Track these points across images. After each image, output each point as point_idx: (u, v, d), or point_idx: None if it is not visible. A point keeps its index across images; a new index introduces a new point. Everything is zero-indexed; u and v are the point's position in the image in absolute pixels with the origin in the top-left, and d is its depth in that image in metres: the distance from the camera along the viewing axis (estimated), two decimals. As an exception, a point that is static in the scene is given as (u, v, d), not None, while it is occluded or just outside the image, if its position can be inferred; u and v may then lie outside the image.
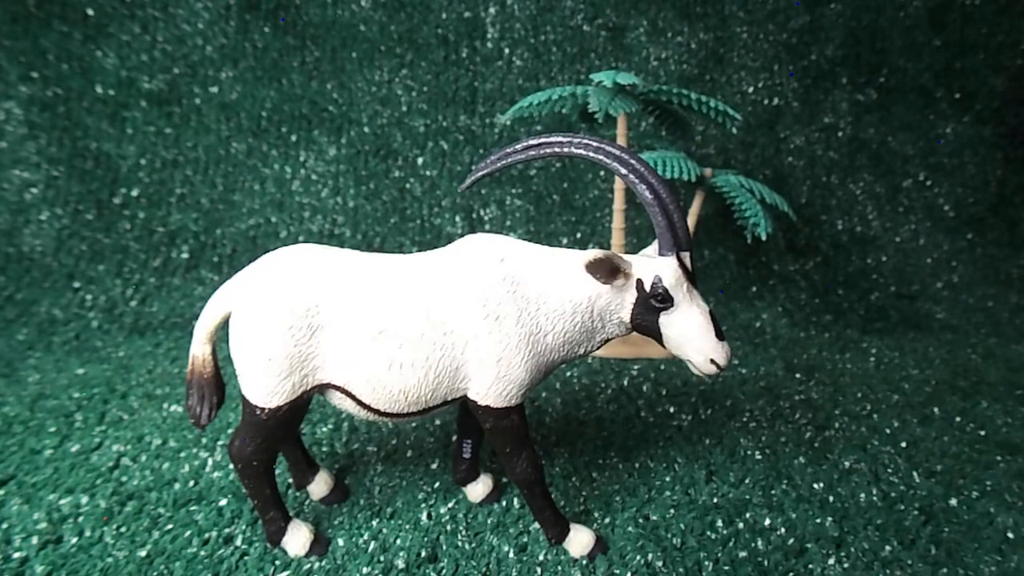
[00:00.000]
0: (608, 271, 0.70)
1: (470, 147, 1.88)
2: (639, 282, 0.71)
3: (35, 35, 1.77)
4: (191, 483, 0.93)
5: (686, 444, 1.06)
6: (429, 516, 0.87)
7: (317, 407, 1.15)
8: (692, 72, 1.91)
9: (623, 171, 0.71)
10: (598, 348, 0.78)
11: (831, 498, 0.92)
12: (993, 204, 1.99)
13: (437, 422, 1.11)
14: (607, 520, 0.87)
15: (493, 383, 0.73)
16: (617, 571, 0.77)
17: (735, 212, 1.33)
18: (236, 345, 0.72)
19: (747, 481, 0.96)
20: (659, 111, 1.40)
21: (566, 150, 0.73)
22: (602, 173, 1.88)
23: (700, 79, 1.92)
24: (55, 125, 1.77)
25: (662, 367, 1.36)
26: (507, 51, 1.89)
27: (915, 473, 0.99)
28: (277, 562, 0.78)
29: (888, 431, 1.11)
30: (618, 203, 1.38)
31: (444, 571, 0.77)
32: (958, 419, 1.16)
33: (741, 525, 0.86)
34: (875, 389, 1.28)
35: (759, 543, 0.83)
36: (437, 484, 0.94)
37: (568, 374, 1.32)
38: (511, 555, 0.80)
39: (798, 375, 1.33)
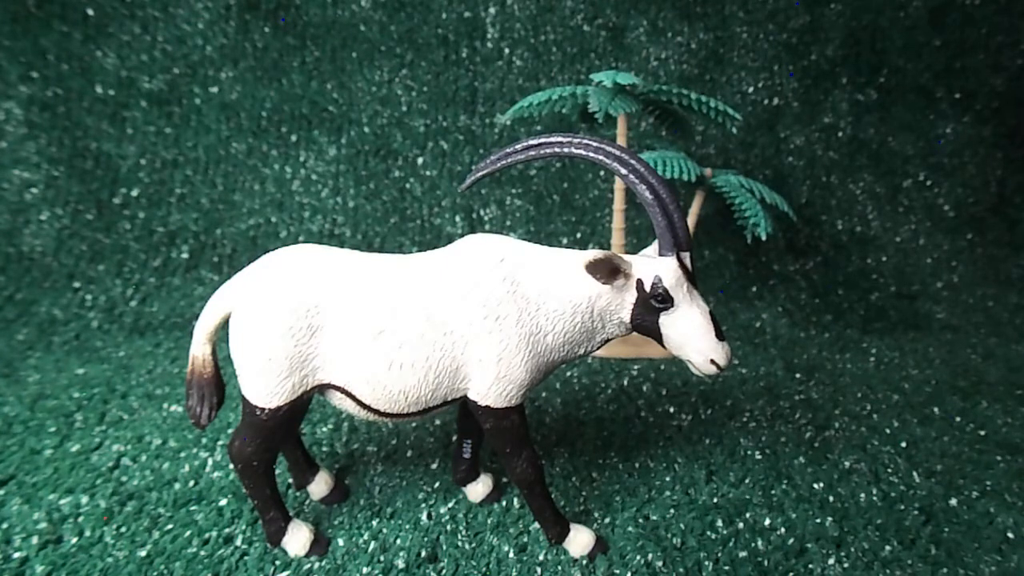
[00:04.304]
0: (608, 271, 0.70)
1: (470, 147, 1.88)
2: (639, 282, 0.71)
3: (35, 35, 1.77)
4: (191, 483, 0.93)
5: (686, 444, 1.06)
6: (429, 516, 0.87)
7: (317, 407, 1.15)
8: (692, 72, 1.91)
9: (623, 171, 0.71)
10: (598, 348, 0.78)
11: (831, 498, 0.92)
12: (993, 204, 1.99)
13: (437, 422, 1.11)
14: (607, 520, 0.87)
15: (493, 383, 0.73)
16: (617, 571, 0.77)
17: (735, 212, 1.33)
18: (236, 345, 0.72)
19: (747, 481, 0.96)
20: (659, 111, 1.40)
21: (566, 150, 0.73)
22: (602, 173, 1.88)
23: (700, 79, 1.92)
24: (55, 125, 1.77)
25: (662, 367, 1.36)
26: (507, 51, 1.89)
27: (915, 473, 0.99)
28: (277, 562, 0.78)
29: (888, 431, 1.11)
30: (618, 203, 1.38)
31: (444, 571, 0.77)
32: (958, 419, 1.16)
33: (741, 525, 0.86)
34: (875, 389, 1.28)
35: (759, 543, 0.83)
36: (437, 484, 0.94)
37: (568, 374, 1.32)
38: (511, 555, 0.80)
39: (798, 375, 1.33)
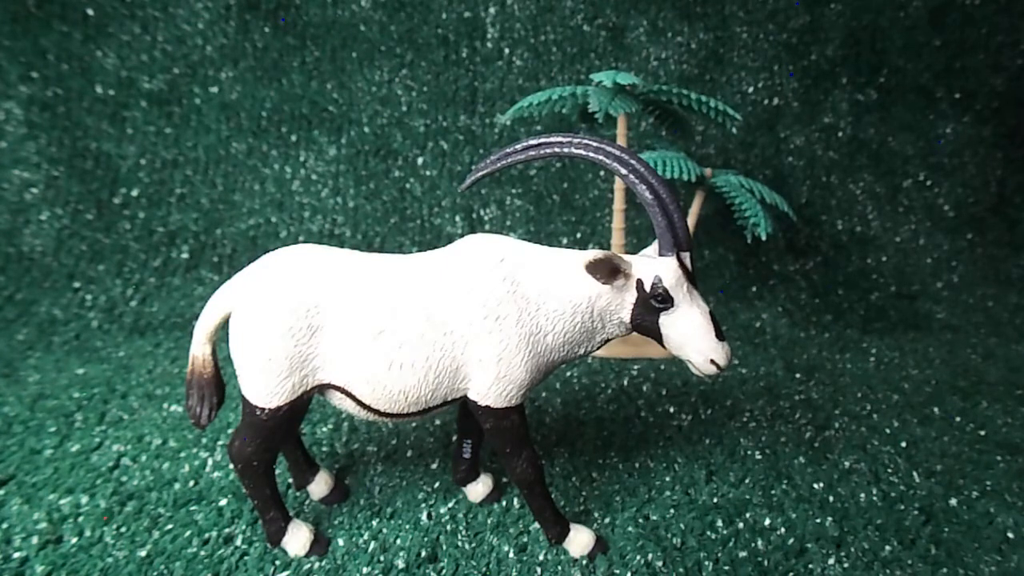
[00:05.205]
0: (608, 271, 0.70)
1: (470, 147, 1.88)
2: (639, 282, 0.71)
3: (35, 35, 1.77)
4: (191, 483, 0.93)
5: (686, 444, 1.06)
6: (429, 516, 0.87)
7: (317, 407, 1.15)
8: (692, 72, 1.91)
9: (623, 171, 0.71)
10: (598, 348, 0.78)
11: (831, 498, 0.92)
12: (993, 204, 1.99)
13: (437, 422, 1.11)
14: (607, 520, 0.87)
15: (493, 383, 0.73)
16: (617, 571, 0.77)
17: (735, 212, 1.33)
18: (236, 345, 0.72)
19: (747, 481, 0.96)
20: (659, 111, 1.40)
21: (566, 150, 0.73)
22: (602, 173, 1.88)
23: (700, 79, 1.92)
24: (55, 125, 1.77)
25: (662, 367, 1.36)
26: (507, 51, 1.89)
27: (915, 473, 0.99)
28: (277, 562, 0.78)
29: (888, 431, 1.11)
30: (618, 203, 1.38)
31: (444, 571, 0.77)
32: (958, 419, 1.16)
33: (741, 525, 0.86)
34: (875, 389, 1.28)
35: (759, 543, 0.83)
36: (437, 484, 0.94)
37: (568, 374, 1.32)
38: (511, 555, 0.80)
39: (798, 375, 1.33)
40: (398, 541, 0.82)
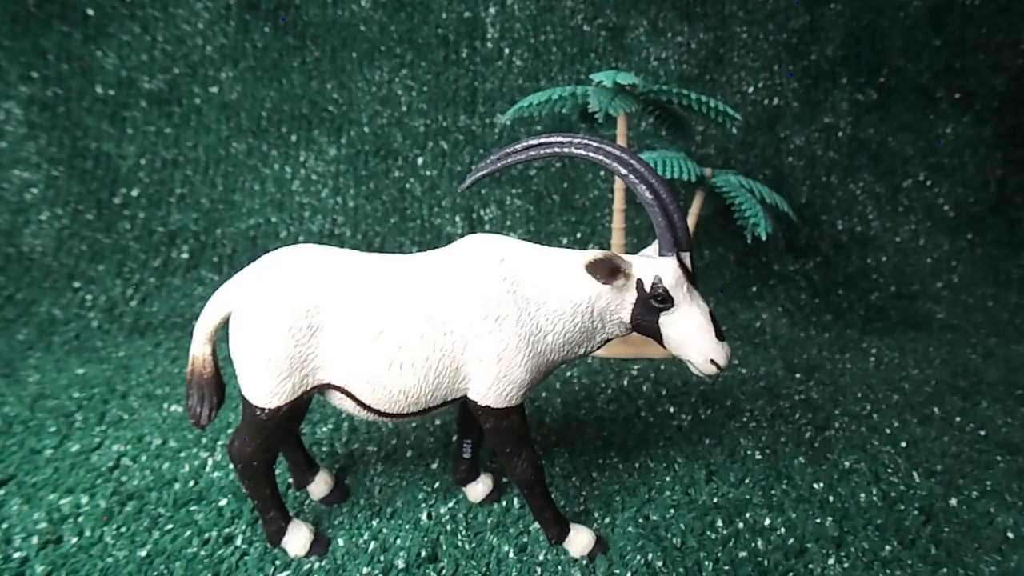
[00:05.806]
0: (608, 271, 0.70)
1: (470, 147, 1.88)
2: (639, 282, 0.71)
3: (35, 35, 1.77)
4: (191, 483, 0.93)
5: (686, 444, 1.06)
6: (429, 516, 0.87)
7: (317, 407, 1.15)
8: (692, 72, 1.91)
9: (623, 171, 0.71)
10: (598, 348, 0.78)
11: (831, 498, 0.92)
12: (993, 204, 1.99)
13: (437, 422, 1.11)
14: (607, 520, 0.87)
15: (493, 383, 0.73)
16: (617, 571, 0.77)
17: (735, 212, 1.33)
18: (236, 345, 0.72)
19: (747, 481, 0.96)
20: (659, 111, 1.40)
21: (566, 150, 0.73)
22: (602, 173, 1.88)
23: (700, 79, 1.92)
24: (55, 125, 1.77)
25: (662, 367, 1.36)
26: (507, 51, 1.89)
27: (915, 473, 0.99)
28: (277, 562, 0.78)
29: (888, 431, 1.11)
30: (618, 203, 1.38)
31: (444, 571, 0.77)
32: (958, 419, 1.16)
33: (741, 525, 0.86)
34: (875, 389, 1.28)
35: (759, 543, 0.83)
36: (437, 484, 0.94)
37: (568, 374, 1.32)
38: (511, 555, 0.80)
39: (798, 375, 1.33)
40: (398, 541, 0.82)
